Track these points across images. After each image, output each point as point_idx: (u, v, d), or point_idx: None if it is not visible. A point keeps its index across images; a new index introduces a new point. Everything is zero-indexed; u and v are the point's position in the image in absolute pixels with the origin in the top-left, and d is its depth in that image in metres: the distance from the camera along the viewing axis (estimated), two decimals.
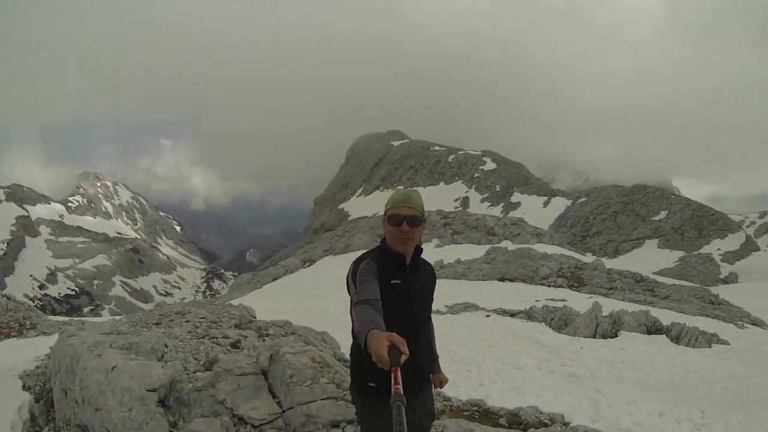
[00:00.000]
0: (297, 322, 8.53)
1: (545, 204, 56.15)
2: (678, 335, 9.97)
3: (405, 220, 2.11)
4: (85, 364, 4.15)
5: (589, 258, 25.81)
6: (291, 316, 9.38)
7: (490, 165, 66.77)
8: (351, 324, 1.91)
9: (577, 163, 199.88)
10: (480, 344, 8.80)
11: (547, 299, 14.23)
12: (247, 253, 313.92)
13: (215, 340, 6.11)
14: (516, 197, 59.39)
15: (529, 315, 11.75)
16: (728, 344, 9.89)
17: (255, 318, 8.54)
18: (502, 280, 18.27)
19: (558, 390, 6.54)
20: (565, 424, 5.30)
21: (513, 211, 54.91)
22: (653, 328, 10.62)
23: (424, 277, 2.28)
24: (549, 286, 17.07)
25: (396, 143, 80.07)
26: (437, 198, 58.31)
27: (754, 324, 14.71)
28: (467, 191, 63.20)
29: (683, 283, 22.64)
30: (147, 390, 3.84)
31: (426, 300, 2.31)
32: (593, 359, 8.45)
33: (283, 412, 4.23)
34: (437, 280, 2.48)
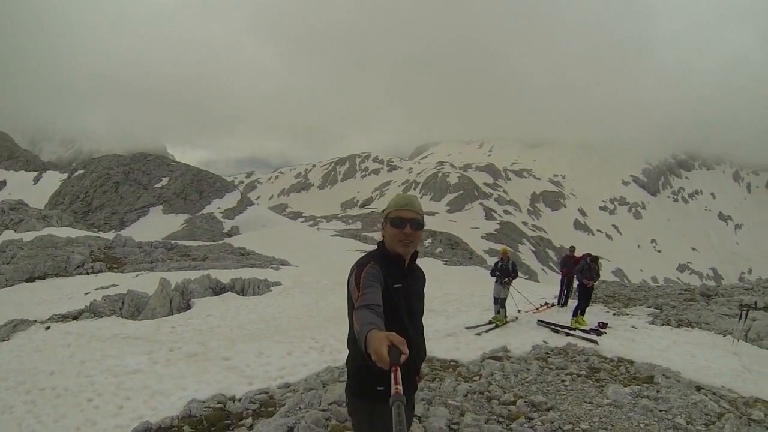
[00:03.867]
0: None
1: (36, 180, 48.88)
2: (242, 288, 11.84)
3: (408, 224, 2.18)
4: None
5: (109, 234, 24.39)
6: None
7: None
8: (350, 331, 1.99)
9: (63, 132, 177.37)
10: (72, 364, 7.27)
11: (97, 289, 12.85)
12: None
13: None
14: (1, 175, 49.44)
15: (95, 311, 10.50)
16: (281, 284, 12.76)
17: None
18: (32, 279, 14.51)
19: (196, 373, 6.71)
20: (233, 399, 5.69)
21: None
22: (218, 288, 12.06)
23: (419, 279, 2.43)
24: (89, 273, 15.14)
25: None
26: None
27: (282, 264, 19.22)
28: None
29: (203, 243, 25.64)
30: None
31: (422, 301, 2.43)
32: (192, 333, 8.92)
33: None
34: None
